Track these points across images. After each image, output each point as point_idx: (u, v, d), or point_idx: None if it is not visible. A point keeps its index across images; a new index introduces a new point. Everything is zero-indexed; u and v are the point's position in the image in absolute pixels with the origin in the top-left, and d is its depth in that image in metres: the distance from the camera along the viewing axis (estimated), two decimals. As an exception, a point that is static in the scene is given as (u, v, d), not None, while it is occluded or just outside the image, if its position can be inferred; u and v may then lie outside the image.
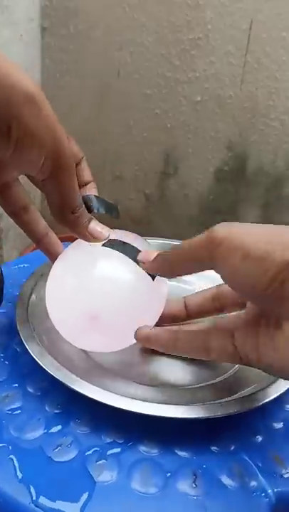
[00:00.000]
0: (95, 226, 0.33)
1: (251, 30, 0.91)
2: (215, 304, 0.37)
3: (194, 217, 1.09)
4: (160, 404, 0.30)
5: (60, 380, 0.31)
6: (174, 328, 0.34)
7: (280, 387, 0.32)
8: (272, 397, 0.31)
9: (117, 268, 0.33)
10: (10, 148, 0.26)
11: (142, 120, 1.03)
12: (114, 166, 1.09)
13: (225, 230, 0.26)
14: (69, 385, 0.30)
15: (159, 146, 1.05)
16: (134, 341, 0.35)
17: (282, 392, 0.32)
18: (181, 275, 0.32)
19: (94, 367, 0.35)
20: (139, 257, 0.33)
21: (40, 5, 0.95)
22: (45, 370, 0.31)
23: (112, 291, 0.33)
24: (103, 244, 0.33)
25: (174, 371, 0.36)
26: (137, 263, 0.33)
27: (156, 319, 0.36)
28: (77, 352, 0.35)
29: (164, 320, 0.36)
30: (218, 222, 0.27)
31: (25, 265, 0.47)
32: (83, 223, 0.32)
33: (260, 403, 0.31)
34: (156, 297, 0.35)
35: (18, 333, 0.34)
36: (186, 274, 0.31)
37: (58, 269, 0.34)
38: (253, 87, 0.95)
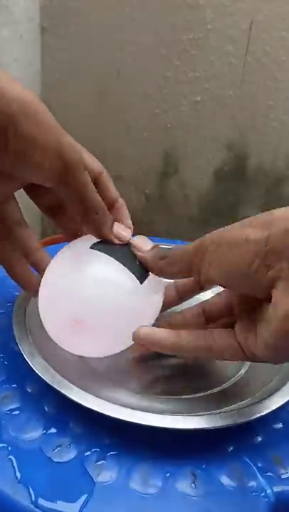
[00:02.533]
0: (118, 229, 0.33)
1: (251, 30, 0.91)
2: (201, 319, 0.36)
3: (194, 217, 1.09)
4: (160, 415, 0.30)
5: (51, 384, 0.31)
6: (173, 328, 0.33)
7: (279, 397, 0.32)
8: (271, 409, 0.31)
9: (105, 272, 0.33)
10: (9, 157, 0.26)
11: (141, 120, 1.03)
12: (114, 165, 1.08)
13: (209, 235, 0.28)
14: (61, 390, 0.30)
15: (158, 146, 1.04)
16: (122, 348, 0.34)
17: (282, 403, 0.32)
18: (171, 274, 0.31)
19: (88, 372, 0.34)
20: (134, 242, 0.33)
21: (40, 5, 0.95)
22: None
23: (98, 296, 0.32)
24: (92, 247, 0.33)
25: (172, 380, 0.36)
26: (128, 267, 0.32)
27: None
28: (72, 355, 0.34)
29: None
30: (218, 222, 0.28)
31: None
32: (108, 225, 0.32)
33: (259, 415, 0.30)
34: (147, 304, 0.34)
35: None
36: (175, 274, 0.31)
37: (49, 270, 0.34)
38: (253, 87, 0.95)
